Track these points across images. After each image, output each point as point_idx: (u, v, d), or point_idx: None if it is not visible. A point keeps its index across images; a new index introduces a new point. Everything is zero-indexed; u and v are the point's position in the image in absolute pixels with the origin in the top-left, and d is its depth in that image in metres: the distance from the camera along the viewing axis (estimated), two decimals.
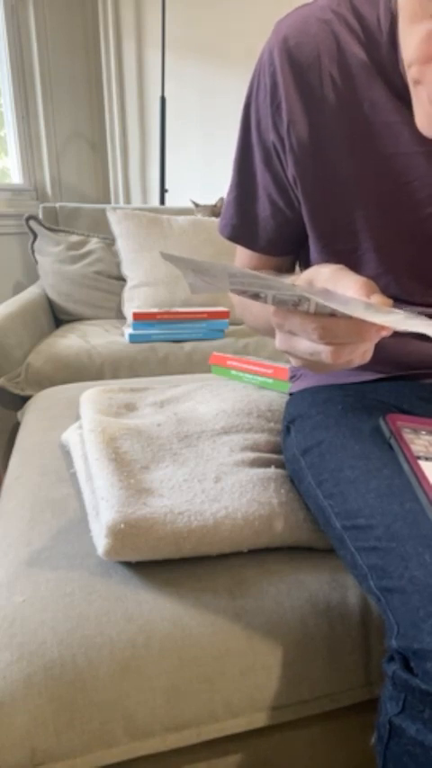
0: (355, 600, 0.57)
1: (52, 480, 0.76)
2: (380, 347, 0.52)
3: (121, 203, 2.83)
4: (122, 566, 0.59)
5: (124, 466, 0.68)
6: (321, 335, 0.41)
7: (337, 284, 0.44)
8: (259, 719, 0.54)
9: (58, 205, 2.11)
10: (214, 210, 2.08)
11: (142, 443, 0.74)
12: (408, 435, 0.54)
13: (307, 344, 0.43)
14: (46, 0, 2.46)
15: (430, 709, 0.40)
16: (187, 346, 1.59)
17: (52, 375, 1.44)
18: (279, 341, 0.45)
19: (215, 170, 2.56)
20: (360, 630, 0.57)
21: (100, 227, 2.04)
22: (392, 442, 0.54)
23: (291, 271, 0.72)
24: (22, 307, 1.70)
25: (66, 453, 0.84)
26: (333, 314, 0.40)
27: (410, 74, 0.44)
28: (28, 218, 1.99)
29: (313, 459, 0.60)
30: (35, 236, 1.99)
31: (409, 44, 0.43)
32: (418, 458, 0.51)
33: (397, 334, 0.50)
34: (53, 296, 1.94)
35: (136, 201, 2.83)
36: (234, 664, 0.53)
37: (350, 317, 0.40)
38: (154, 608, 0.54)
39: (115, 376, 1.51)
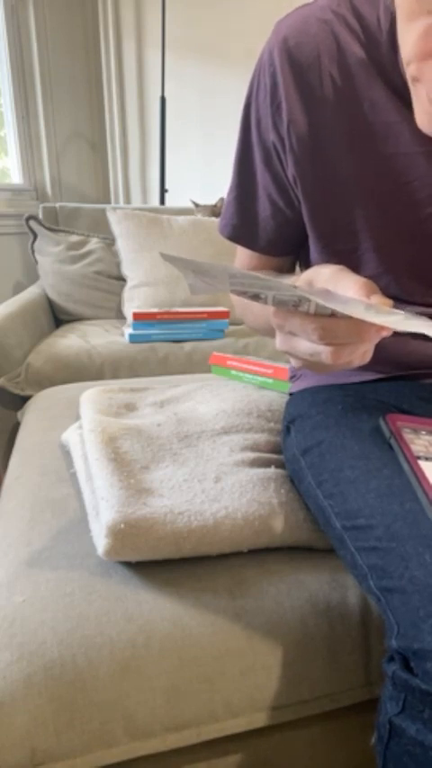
0: (355, 600, 0.57)
1: (52, 480, 0.76)
2: (380, 347, 0.52)
3: (121, 203, 2.83)
4: (122, 566, 0.59)
5: (124, 466, 0.68)
6: (321, 336, 0.41)
7: (337, 285, 0.44)
8: (259, 719, 0.54)
9: (58, 205, 2.11)
10: (214, 210, 2.08)
11: (142, 443, 0.74)
12: (408, 435, 0.54)
13: (307, 345, 0.43)
14: (46, 0, 2.46)
15: (430, 709, 0.40)
16: (187, 346, 1.59)
17: (52, 375, 1.44)
18: (279, 341, 0.45)
19: (215, 170, 2.56)
20: (360, 630, 0.57)
21: (100, 227, 2.05)
22: (392, 442, 0.54)
23: (291, 271, 0.72)
24: (22, 307, 1.70)
25: (66, 453, 0.84)
26: (333, 314, 0.40)
27: (409, 71, 0.44)
28: (28, 218, 1.99)
29: (313, 459, 0.60)
30: (35, 236, 1.99)
31: (407, 41, 0.43)
32: (418, 458, 0.51)
33: (397, 335, 0.50)
34: (53, 296, 1.95)
35: (136, 201, 2.83)
36: (234, 664, 0.53)
37: (350, 318, 0.40)
38: (154, 608, 0.54)
39: (115, 376, 1.51)
